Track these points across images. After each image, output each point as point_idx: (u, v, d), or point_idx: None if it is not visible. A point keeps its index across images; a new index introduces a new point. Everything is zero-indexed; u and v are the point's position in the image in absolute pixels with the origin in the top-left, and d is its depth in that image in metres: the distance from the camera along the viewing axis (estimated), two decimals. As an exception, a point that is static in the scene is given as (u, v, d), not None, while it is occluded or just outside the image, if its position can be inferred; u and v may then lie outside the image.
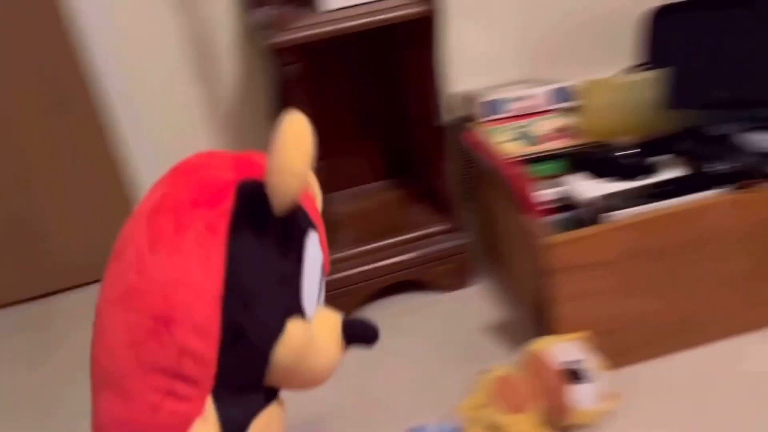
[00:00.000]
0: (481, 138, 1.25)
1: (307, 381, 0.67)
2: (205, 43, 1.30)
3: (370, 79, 1.36)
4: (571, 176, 1.06)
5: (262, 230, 0.61)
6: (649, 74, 1.06)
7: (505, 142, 1.20)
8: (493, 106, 1.28)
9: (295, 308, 0.64)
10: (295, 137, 0.58)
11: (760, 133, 1.01)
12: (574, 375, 0.91)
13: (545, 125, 1.23)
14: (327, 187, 1.39)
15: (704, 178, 0.98)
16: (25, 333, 1.33)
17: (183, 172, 0.64)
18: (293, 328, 0.63)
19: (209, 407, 0.61)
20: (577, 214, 1.08)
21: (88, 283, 1.45)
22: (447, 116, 1.46)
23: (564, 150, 1.13)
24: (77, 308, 1.38)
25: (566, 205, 1.11)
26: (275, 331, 0.62)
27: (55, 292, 1.44)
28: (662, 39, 1.13)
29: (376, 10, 1.05)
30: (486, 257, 1.35)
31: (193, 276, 0.58)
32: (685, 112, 1.03)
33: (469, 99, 1.35)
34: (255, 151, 0.69)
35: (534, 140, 1.18)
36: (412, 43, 1.19)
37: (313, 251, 0.66)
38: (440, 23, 1.06)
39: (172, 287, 0.58)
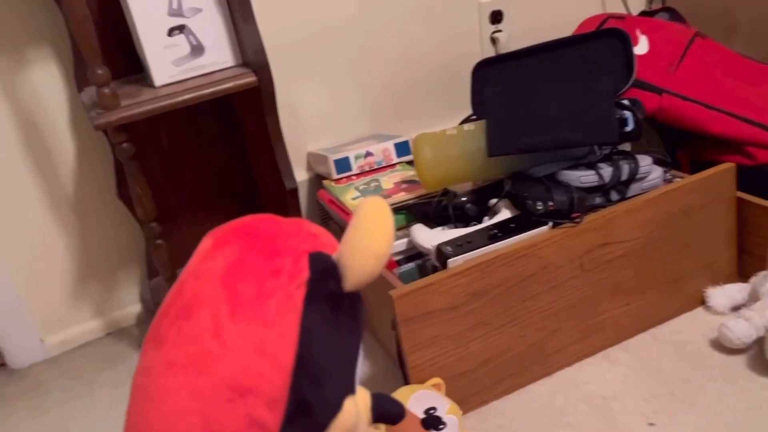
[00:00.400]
0: (333, 196, 1.27)
1: None
2: (39, 129, 1.25)
3: (220, 146, 1.36)
4: (414, 227, 1.10)
5: (335, 306, 0.60)
6: (474, 125, 1.13)
7: (355, 198, 1.23)
8: (343, 163, 1.31)
9: (351, 386, 0.62)
10: (378, 218, 0.59)
11: (579, 170, 1.10)
12: (432, 423, 0.93)
13: (390, 179, 1.28)
14: (181, 257, 1.37)
15: (534, 216, 1.05)
16: None
17: (255, 236, 0.61)
18: (348, 406, 0.61)
19: None
20: (423, 263, 1.12)
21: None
22: (304, 175, 1.48)
23: (405, 202, 1.18)
24: None
25: (412, 255, 1.15)
26: (336, 409, 0.60)
27: None
28: (481, 91, 1.21)
29: (205, 84, 1.06)
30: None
31: (273, 347, 0.56)
32: (510, 157, 1.10)
33: (320, 158, 1.38)
34: (303, 219, 0.67)
35: (380, 195, 1.22)
36: (250, 110, 1.21)
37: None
38: (271, 91, 1.08)
39: (252, 357, 0.55)
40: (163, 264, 1.14)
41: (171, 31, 1.06)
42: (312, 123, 1.47)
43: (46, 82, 1.23)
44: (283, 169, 1.15)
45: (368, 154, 1.33)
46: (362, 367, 0.90)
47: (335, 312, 0.60)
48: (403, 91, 1.55)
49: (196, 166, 1.35)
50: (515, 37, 1.61)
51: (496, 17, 1.57)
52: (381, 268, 0.61)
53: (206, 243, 0.63)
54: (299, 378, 0.57)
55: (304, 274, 0.59)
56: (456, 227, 1.11)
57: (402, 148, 1.34)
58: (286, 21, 1.37)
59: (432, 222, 1.14)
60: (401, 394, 0.96)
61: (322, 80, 1.45)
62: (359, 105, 1.51)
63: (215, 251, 0.61)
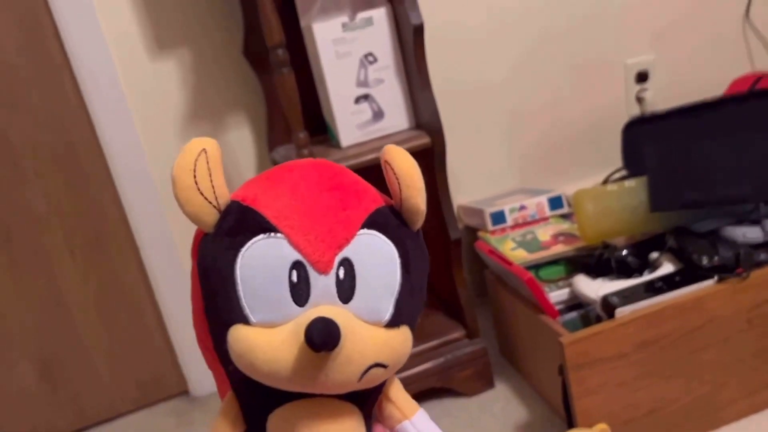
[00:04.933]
0: (492, 246, 1.35)
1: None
2: (230, 185, 1.43)
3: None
4: (577, 278, 1.16)
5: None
6: (634, 181, 1.18)
7: (513, 249, 1.30)
8: (498, 216, 1.40)
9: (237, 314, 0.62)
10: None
11: (743, 226, 1.12)
12: (603, 467, 0.96)
13: (546, 231, 1.35)
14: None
15: (698, 270, 1.08)
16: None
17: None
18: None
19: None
20: (586, 312, 1.17)
21: (118, 416, 1.51)
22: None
23: (566, 254, 1.24)
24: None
25: (574, 304, 1.20)
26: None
27: (86, 428, 1.49)
28: (636, 148, 1.27)
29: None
30: (502, 359, 1.42)
31: None
32: (671, 212, 1.14)
33: (475, 211, 1.47)
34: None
35: (538, 246, 1.28)
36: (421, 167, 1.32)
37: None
38: (443, 151, 1.19)
39: None
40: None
41: (357, 100, 1.20)
42: (462, 176, 1.57)
43: (240, 143, 1.42)
44: (448, 221, 1.25)
45: (522, 207, 1.40)
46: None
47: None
48: (550, 147, 1.62)
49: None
50: (661, 96, 1.65)
51: (642, 77, 1.62)
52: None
53: None
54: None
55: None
56: (617, 279, 1.16)
57: (555, 203, 1.41)
58: (443, 81, 1.50)
59: (593, 273, 1.19)
60: (573, 437, 1.01)
61: (474, 137, 1.56)
62: (507, 160, 1.60)
63: None
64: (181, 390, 1.54)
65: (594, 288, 1.11)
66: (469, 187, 1.59)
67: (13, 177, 1.33)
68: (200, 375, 1.52)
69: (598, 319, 1.11)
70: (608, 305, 1.06)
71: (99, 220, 1.40)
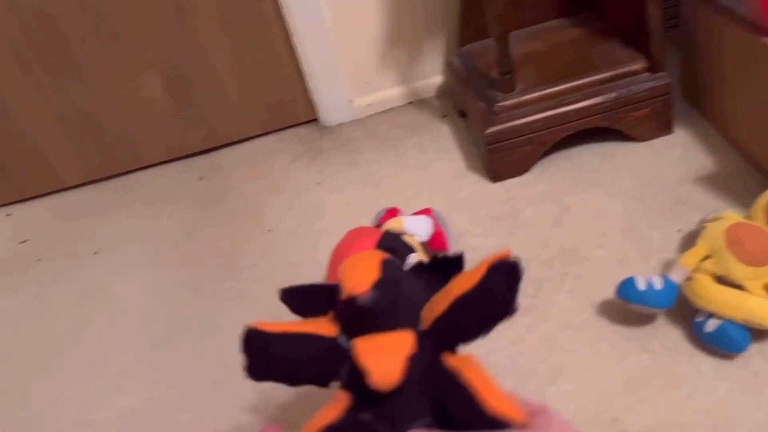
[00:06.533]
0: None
1: None
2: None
3: None
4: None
5: None
6: None
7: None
8: None
9: None
10: None
11: None
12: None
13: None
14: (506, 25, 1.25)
15: None
16: (202, 181, 1.35)
17: None
18: None
19: None
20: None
21: (247, 139, 1.44)
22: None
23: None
24: (240, 161, 1.38)
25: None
26: None
27: (217, 148, 1.44)
28: None
29: None
30: (685, 104, 1.18)
31: None
32: None
33: None
34: None
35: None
36: None
37: None
38: None
39: None
40: (496, 18, 1.03)
41: None
42: None
43: None
44: None
45: None
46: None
47: None
48: None
49: None
50: None
51: None
52: None
53: None
54: None
55: None
56: None
57: None
58: None
59: None
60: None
61: None
62: None
63: None
64: (310, 118, 1.44)
65: None
66: None
67: None
68: (330, 104, 1.40)
69: None
70: None
71: None
